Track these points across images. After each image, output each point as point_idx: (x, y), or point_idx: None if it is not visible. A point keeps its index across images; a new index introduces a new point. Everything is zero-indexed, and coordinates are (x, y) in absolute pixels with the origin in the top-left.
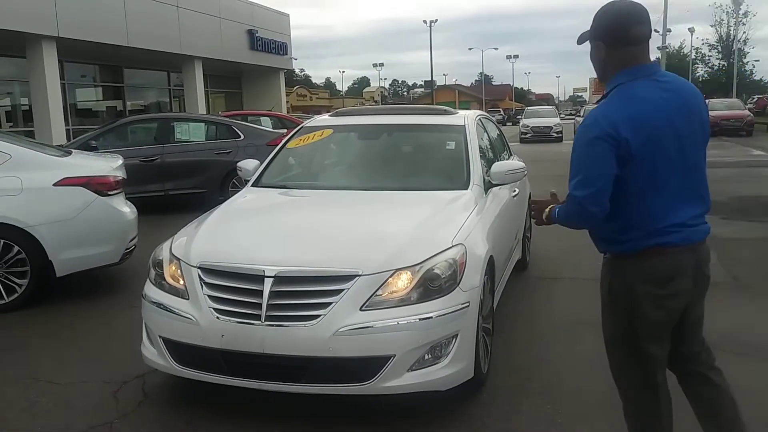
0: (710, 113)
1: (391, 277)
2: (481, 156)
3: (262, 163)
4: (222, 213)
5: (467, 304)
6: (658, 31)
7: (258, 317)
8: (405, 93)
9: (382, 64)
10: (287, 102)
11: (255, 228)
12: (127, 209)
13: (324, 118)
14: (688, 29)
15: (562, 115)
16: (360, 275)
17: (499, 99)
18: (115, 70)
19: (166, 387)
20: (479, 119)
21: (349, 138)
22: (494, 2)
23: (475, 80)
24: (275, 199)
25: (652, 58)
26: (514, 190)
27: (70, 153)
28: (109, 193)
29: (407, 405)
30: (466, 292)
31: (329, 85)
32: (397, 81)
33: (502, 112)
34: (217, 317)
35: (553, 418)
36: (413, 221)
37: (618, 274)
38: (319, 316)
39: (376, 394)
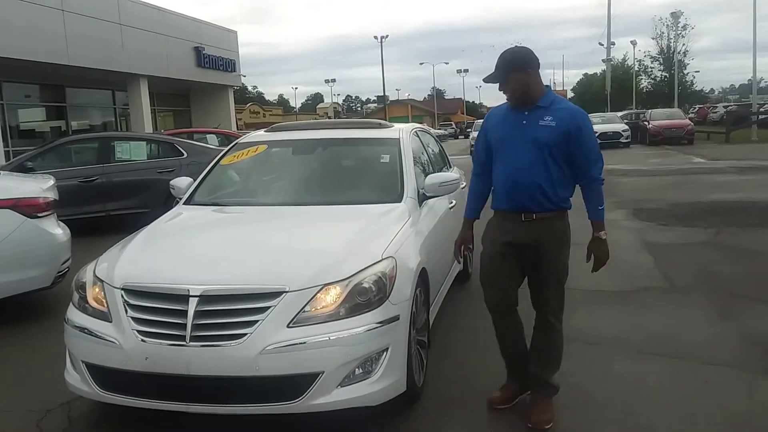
0: (653, 123)
1: (319, 292)
2: (419, 169)
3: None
4: (149, 233)
5: (397, 318)
6: (602, 44)
7: (183, 338)
8: (359, 108)
9: (334, 80)
10: (240, 119)
11: (182, 247)
12: (58, 231)
13: (259, 134)
14: (631, 42)
15: None
16: (287, 291)
17: (451, 112)
18: (57, 90)
19: (93, 414)
20: (415, 132)
21: (283, 153)
22: (441, 18)
23: (428, 95)
24: (205, 217)
25: (598, 70)
26: (452, 202)
27: None
28: (39, 215)
29: (339, 422)
30: (396, 305)
31: (282, 101)
32: (351, 96)
33: (453, 126)
34: (141, 340)
35: (486, 428)
36: (343, 235)
37: (569, 224)
38: (245, 334)
39: (306, 412)
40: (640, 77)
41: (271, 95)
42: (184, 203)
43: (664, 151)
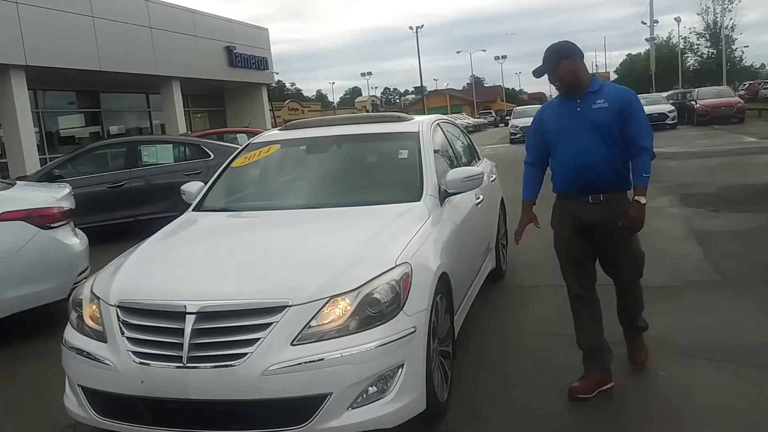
0: (700, 102)
1: (325, 305)
2: (446, 164)
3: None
4: (150, 243)
5: (413, 330)
6: (645, 23)
7: (180, 359)
8: (397, 100)
9: (370, 73)
10: (279, 117)
11: (182, 259)
12: (74, 241)
13: (272, 133)
14: (675, 19)
15: None
16: (290, 306)
17: (491, 100)
18: (92, 96)
19: None
20: (438, 124)
21: (297, 152)
22: (476, 5)
23: (467, 83)
24: (212, 225)
25: (642, 50)
26: (478, 197)
27: (13, 185)
28: (53, 225)
29: None
30: (411, 316)
31: (321, 97)
32: (389, 89)
33: (493, 114)
34: (137, 361)
35: None
36: (355, 240)
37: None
38: (245, 354)
39: None
40: (686, 55)
41: (309, 91)
42: (193, 209)
43: (712, 131)
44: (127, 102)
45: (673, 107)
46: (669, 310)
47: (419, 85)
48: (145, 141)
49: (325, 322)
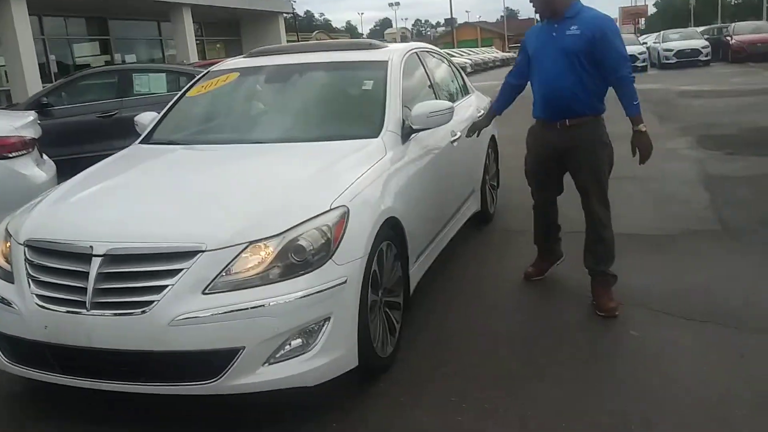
0: (735, 38)
1: (243, 251)
2: (415, 97)
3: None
4: (79, 178)
5: (343, 280)
6: None
7: (83, 304)
8: (428, 32)
9: (398, 3)
10: None
11: (104, 196)
12: (36, 172)
13: (234, 61)
14: None
15: None
16: (204, 251)
17: (523, 34)
18: (99, 23)
19: (3, 383)
20: (414, 54)
21: (255, 82)
22: None
23: (501, 16)
24: (151, 160)
25: None
26: (455, 134)
27: None
28: (10, 155)
29: (276, 403)
30: (342, 265)
31: (350, 28)
32: (420, 21)
33: None
34: (41, 305)
35: (454, 412)
36: (294, 180)
37: (604, 126)
38: (152, 302)
39: (224, 394)
40: None
41: (338, 22)
42: (141, 142)
43: (746, 69)
44: (138, 30)
45: (707, 43)
46: (657, 261)
47: (450, 17)
48: (137, 69)
49: (243, 269)
